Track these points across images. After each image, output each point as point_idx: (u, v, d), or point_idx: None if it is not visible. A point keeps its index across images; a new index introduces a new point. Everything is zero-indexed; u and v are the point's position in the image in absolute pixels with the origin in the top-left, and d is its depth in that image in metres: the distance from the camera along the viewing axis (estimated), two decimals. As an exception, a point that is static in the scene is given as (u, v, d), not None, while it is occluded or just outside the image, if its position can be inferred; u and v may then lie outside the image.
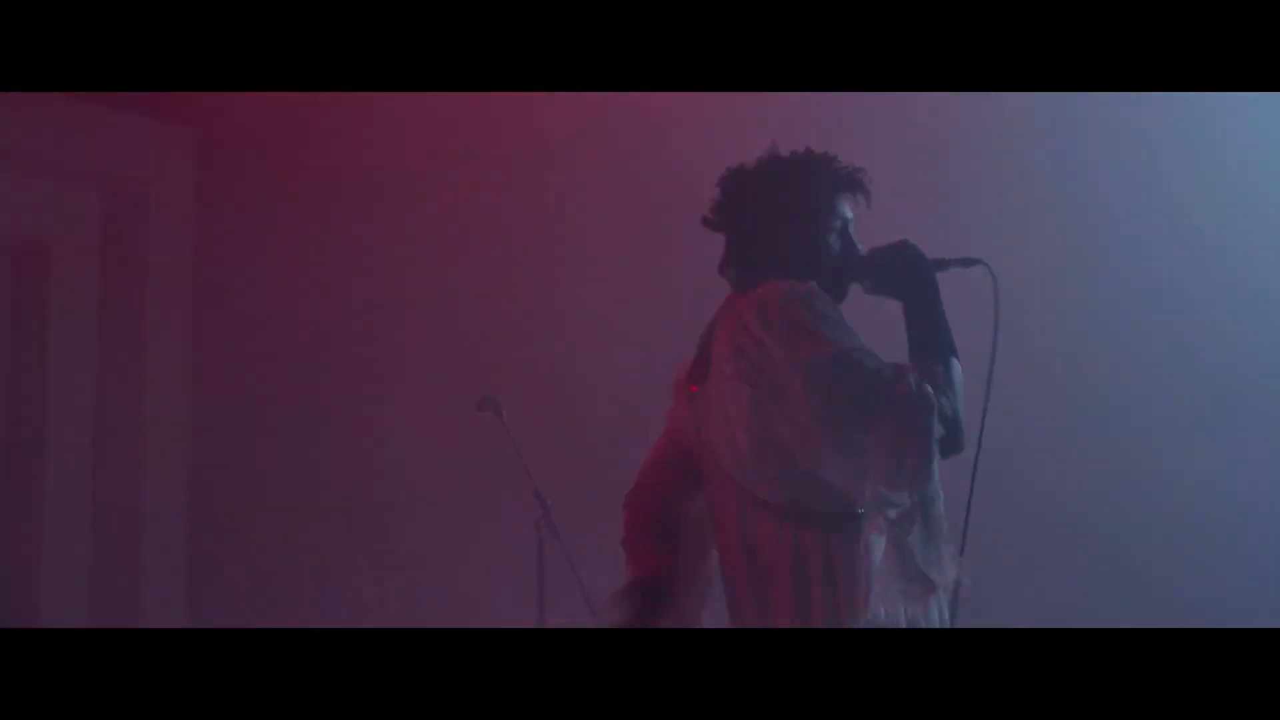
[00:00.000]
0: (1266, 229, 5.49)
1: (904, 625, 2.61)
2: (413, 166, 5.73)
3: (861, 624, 2.59)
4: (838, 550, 2.61)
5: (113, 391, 5.57)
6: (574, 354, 5.46)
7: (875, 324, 2.72)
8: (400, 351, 5.75)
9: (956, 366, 2.64)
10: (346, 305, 5.83)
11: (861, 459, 2.50)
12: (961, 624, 2.88)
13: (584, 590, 3.99)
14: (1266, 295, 5.46)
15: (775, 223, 2.75)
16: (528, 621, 4.33)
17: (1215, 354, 5.38)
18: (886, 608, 2.59)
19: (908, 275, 2.71)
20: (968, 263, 2.76)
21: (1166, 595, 5.16)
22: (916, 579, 2.57)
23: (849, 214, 2.80)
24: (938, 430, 2.50)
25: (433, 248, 5.73)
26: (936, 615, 2.69)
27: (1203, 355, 5.39)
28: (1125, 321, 5.48)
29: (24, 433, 5.53)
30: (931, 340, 2.66)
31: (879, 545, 2.56)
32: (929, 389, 2.52)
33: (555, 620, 4.30)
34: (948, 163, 5.46)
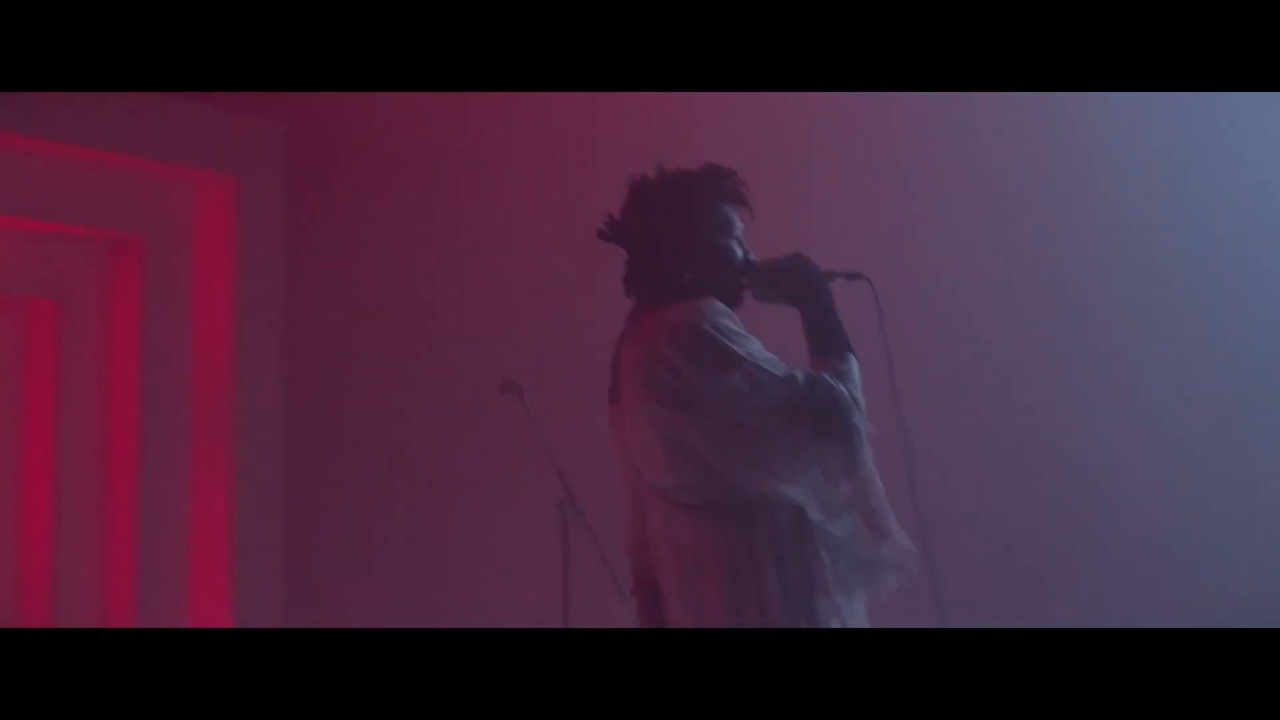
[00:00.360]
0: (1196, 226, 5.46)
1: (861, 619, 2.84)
2: (503, 161, 5.80)
3: (804, 621, 2.77)
4: (765, 545, 2.75)
5: (206, 388, 5.61)
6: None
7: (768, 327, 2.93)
8: (485, 346, 5.75)
9: (854, 363, 2.84)
10: (435, 299, 5.86)
11: (788, 463, 2.71)
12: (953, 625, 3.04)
13: (610, 570, 3.96)
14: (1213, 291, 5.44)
15: (674, 237, 2.89)
16: (554, 602, 4.40)
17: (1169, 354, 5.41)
18: (846, 594, 2.80)
19: (802, 285, 2.89)
20: (851, 276, 2.97)
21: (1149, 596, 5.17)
22: (870, 563, 2.81)
23: (740, 225, 2.96)
24: (861, 425, 2.73)
25: (521, 242, 5.82)
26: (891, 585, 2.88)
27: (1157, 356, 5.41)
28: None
29: (124, 429, 5.60)
30: (831, 342, 2.84)
31: (822, 536, 2.78)
32: (843, 388, 2.73)
33: (580, 601, 4.36)
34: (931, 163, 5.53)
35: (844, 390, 2.74)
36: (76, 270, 5.64)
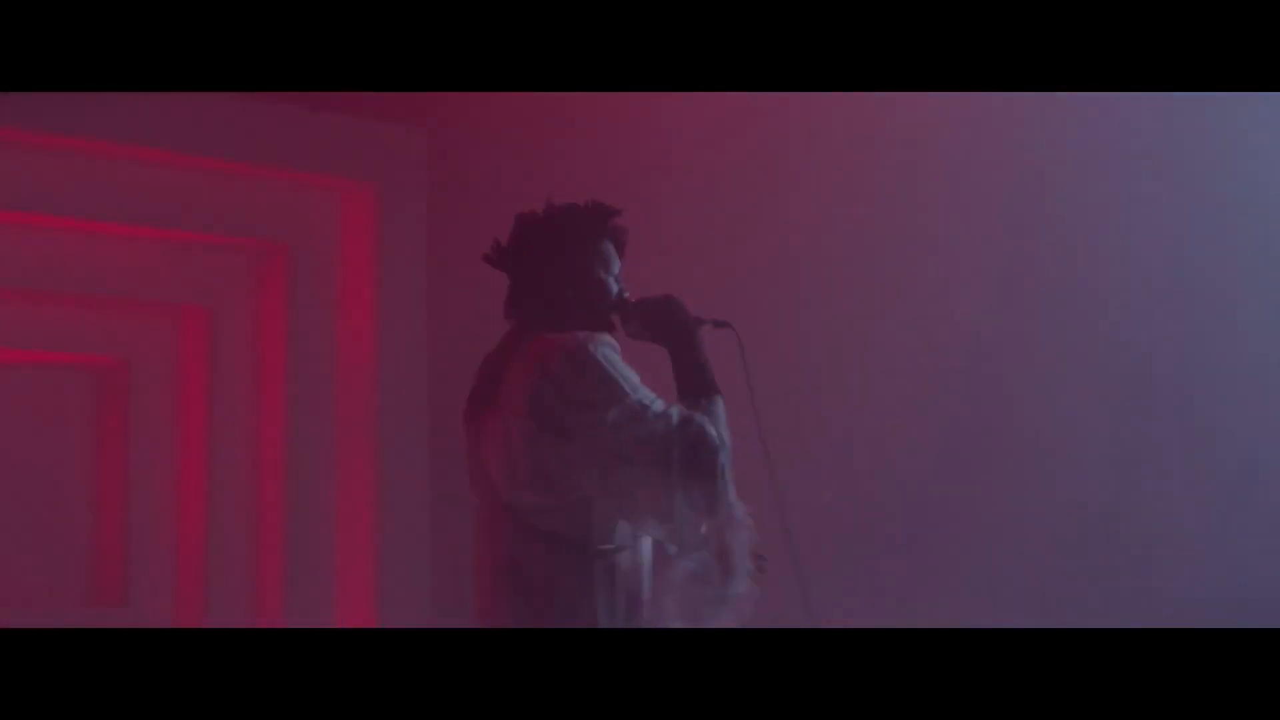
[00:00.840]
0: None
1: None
2: (645, 163, 5.84)
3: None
4: (601, 576, 2.89)
5: (351, 392, 5.72)
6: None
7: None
8: (627, 348, 5.72)
9: (720, 403, 2.97)
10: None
11: (652, 497, 2.81)
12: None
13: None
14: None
15: (552, 268, 3.07)
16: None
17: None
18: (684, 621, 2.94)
19: (675, 327, 3.04)
20: (718, 324, 3.12)
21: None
22: (715, 600, 2.92)
23: (617, 263, 3.13)
24: (726, 465, 2.85)
25: (661, 245, 5.70)
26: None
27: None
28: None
29: (272, 433, 5.73)
30: (699, 383, 2.97)
31: (670, 572, 2.93)
32: (713, 429, 2.85)
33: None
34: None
35: (713, 431, 2.86)
36: (226, 278, 5.79)
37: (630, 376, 2.92)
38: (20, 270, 5.50)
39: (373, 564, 5.57)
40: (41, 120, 4.98)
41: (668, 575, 2.98)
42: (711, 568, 2.94)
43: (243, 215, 5.71)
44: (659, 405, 2.89)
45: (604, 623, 2.90)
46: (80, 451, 5.74)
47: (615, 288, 3.12)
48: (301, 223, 5.73)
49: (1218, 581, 5.26)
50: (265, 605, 5.61)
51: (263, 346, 5.83)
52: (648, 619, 2.97)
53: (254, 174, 5.69)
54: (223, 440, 5.77)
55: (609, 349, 2.96)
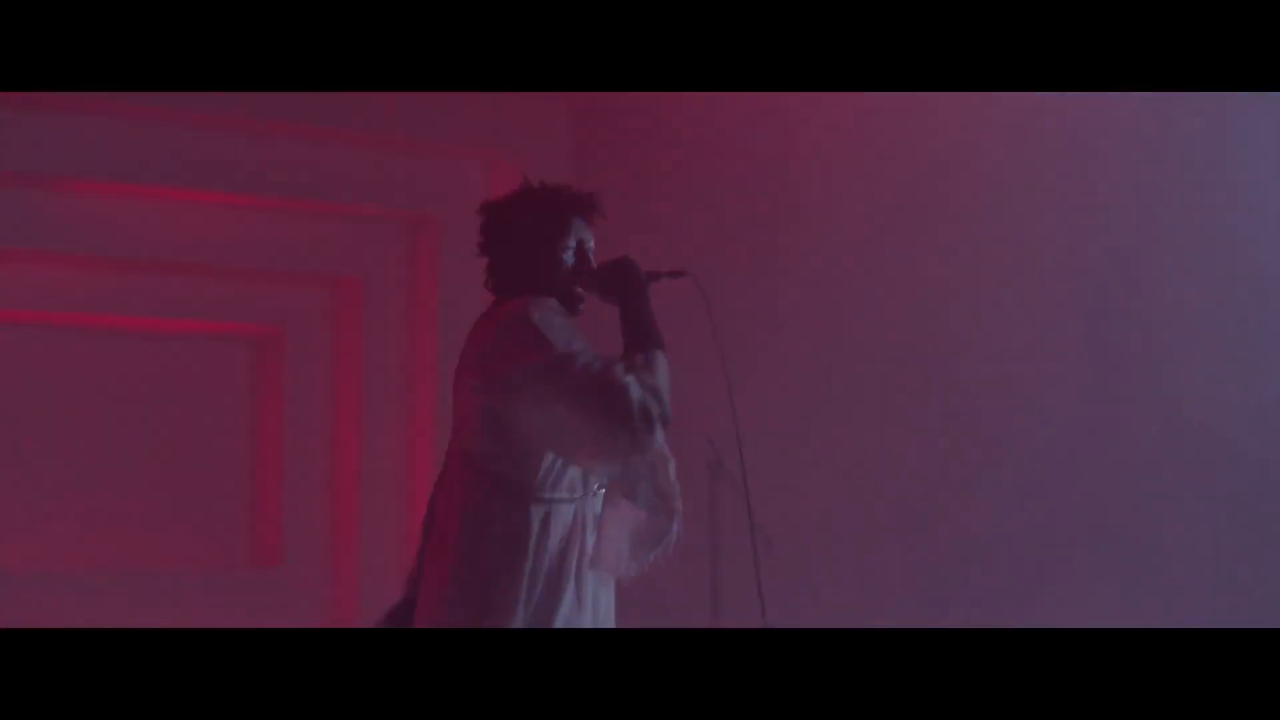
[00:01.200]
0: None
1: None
2: (777, 157, 5.95)
3: (593, 574, 3.17)
4: (542, 523, 3.12)
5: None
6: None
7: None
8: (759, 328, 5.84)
9: (659, 355, 3.14)
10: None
11: (578, 438, 3.06)
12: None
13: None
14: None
15: (516, 245, 3.28)
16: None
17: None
18: (617, 559, 3.19)
19: (621, 285, 3.22)
20: (674, 275, 3.27)
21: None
22: (644, 534, 3.19)
23: (587, 235, 3.31)
24: (638, 404, 3.02)
25: (792, 235, 5.90)
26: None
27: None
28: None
29: (422, 401, 5.93)
30: (639, 336, 3.15)
31: (608, 509, 3.21)
32: (627, 376, 3.03)
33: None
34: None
35: (630, 380, 3.06)
36: (379, 249, 6.02)
37: (564, 334, 3.13)
38: (181, 245, 5.80)
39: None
40: (208, 104, 5.19)
41: (614, 522, 3.25)
42: (644, 503, 3.21)
43: (395, 189, 5.92)
44: (585, 357, 3.07)
45: (526, 572, 3.14)
46: (239, 418, 6.01)
47: (571, 259, 3.32)
48: (452, 195, 5.90)
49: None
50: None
51: (414, 314, 6.02)
52: (579, 573, 3.19)
53: (407, 149, 5.88)
54: (375, 404, 6.01)
55: (548, 311, 3.18)
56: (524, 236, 3.34)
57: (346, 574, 5.92)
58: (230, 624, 5.50)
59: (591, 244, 3.37)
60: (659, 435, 3.13)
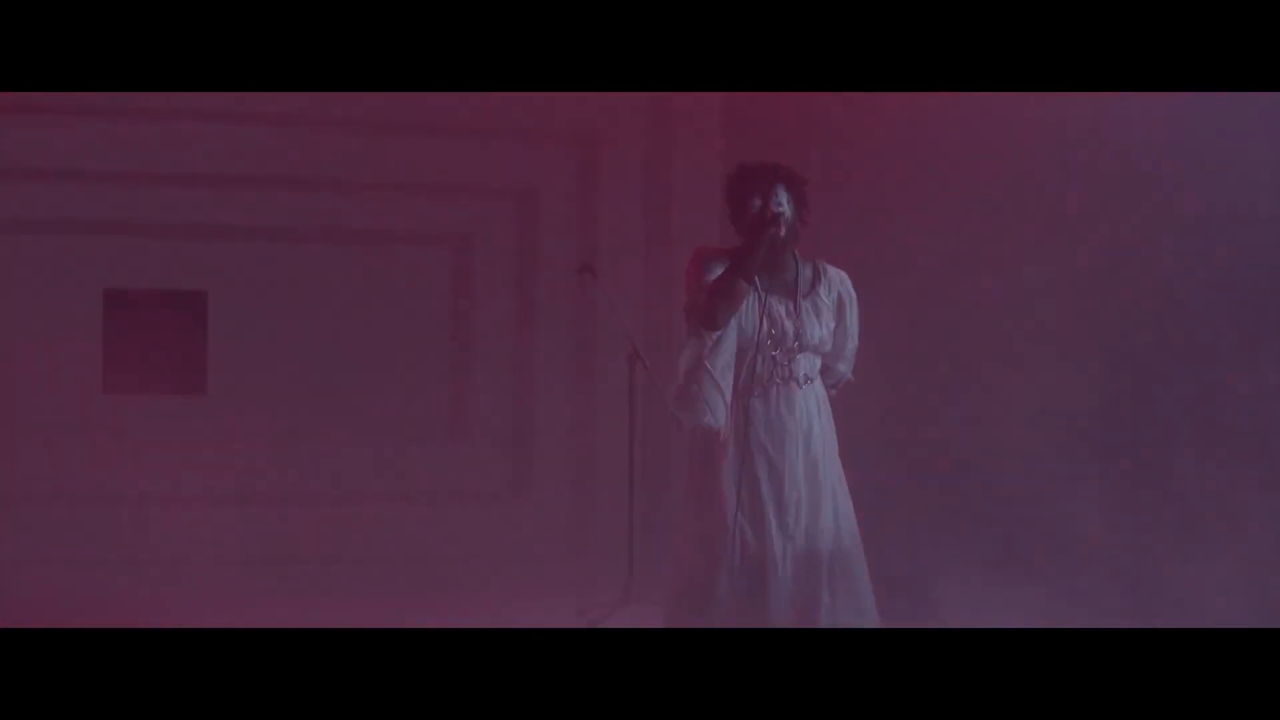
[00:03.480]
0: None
1: None
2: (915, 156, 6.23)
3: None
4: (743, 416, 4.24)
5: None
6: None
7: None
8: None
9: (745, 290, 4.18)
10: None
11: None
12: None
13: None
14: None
15: (732, 210, 4.31)
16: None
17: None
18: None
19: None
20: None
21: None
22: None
23: (782, 197, 4.23)
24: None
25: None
26: None
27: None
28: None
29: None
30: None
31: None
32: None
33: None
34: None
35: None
36: (560, 168, 7.13)
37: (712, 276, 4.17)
38: (390, 162, 6.78)
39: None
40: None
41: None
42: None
43: (575, 118, 6.90)
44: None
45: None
46: (435, 319, 7.07)
47: (758, 220, 4.20)
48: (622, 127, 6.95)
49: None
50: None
51: (584, 228, 7.06)
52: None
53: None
54: (550, 299, 7.05)
55: (713, 260, 4.20)
56: (735, 204, 4.28)
57: (525, 448, 7.03)
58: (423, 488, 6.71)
59: (773, 206, 4.21)
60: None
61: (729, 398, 4.20)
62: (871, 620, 4.21)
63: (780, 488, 4.21)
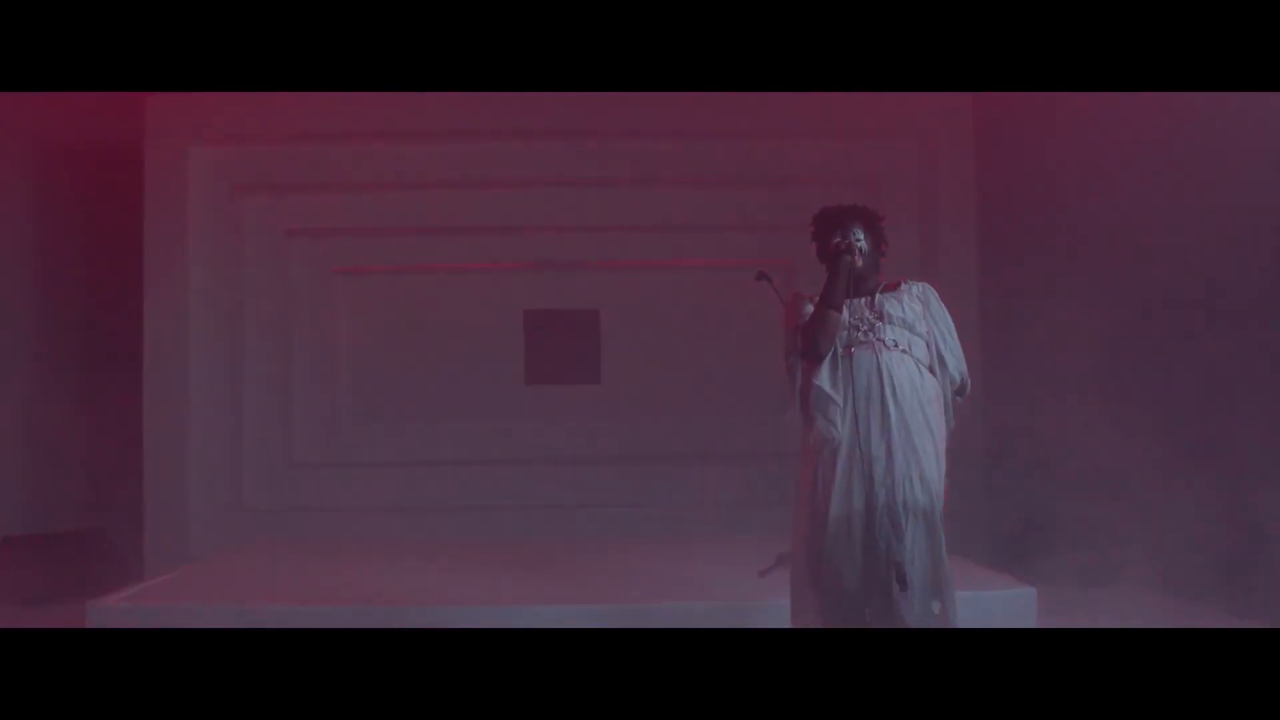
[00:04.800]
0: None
1: None
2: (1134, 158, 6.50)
3: None
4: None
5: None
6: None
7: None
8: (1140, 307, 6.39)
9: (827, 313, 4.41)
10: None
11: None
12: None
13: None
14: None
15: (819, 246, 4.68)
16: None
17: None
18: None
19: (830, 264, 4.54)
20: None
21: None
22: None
23: (858, 236, 4.55)
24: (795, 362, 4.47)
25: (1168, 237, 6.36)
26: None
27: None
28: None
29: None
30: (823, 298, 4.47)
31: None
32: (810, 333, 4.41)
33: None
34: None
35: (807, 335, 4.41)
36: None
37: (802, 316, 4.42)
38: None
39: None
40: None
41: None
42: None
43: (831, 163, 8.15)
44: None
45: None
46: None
47: (846, 257, 4.43)
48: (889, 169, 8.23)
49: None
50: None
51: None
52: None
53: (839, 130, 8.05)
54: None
55: (805, 301, 4.47)
56: (820, 241, 4.55)
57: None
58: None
59: (850, 238, 4.45)
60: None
61: (843, 405, 4.36)
62: (951, 584, 4.31)
63: (867, 440, 4.34)
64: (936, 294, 4.57)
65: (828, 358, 4.38)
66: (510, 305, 8.75)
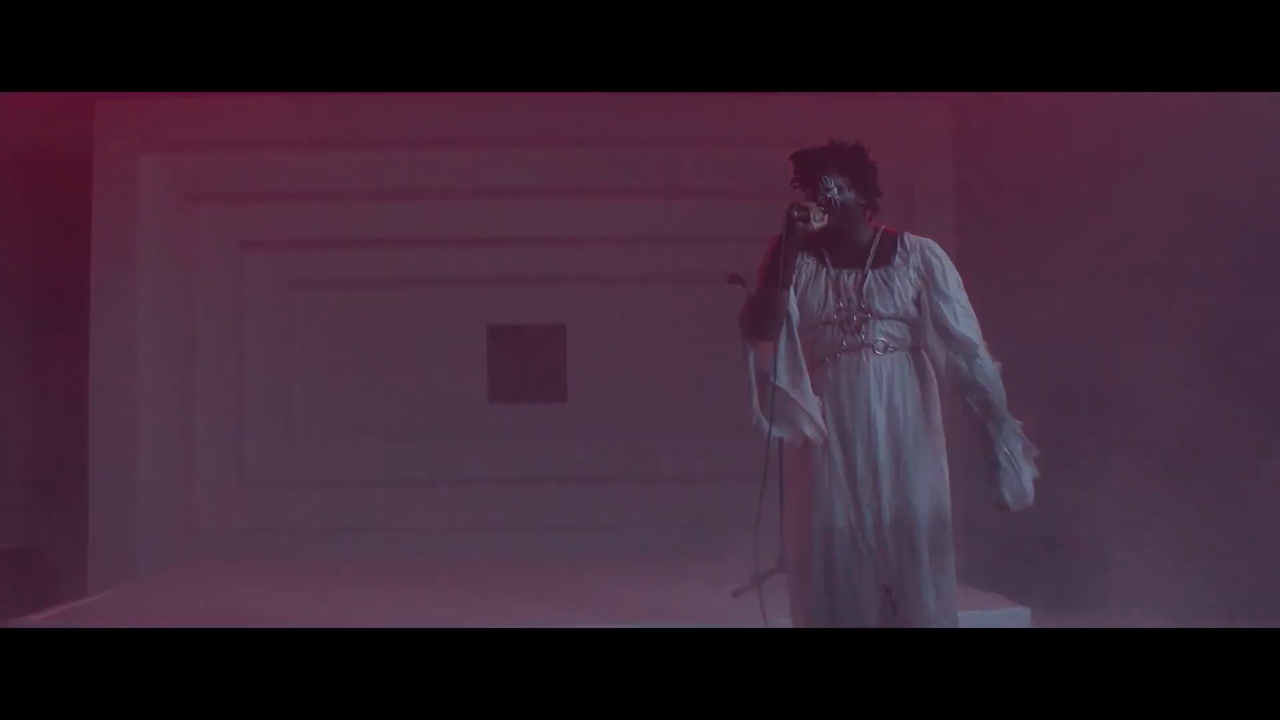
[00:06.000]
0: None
1: None
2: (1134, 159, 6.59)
3: None
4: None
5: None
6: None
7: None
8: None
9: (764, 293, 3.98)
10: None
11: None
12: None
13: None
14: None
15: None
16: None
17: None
18: None
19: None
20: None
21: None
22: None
23: (830, 180, 4.04)
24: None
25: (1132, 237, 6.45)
26: None
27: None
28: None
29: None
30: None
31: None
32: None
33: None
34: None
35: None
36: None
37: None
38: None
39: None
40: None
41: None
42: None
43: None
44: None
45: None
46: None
47: (798, 224, 3.86)
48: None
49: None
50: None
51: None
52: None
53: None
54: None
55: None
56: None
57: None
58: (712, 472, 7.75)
59: (820, 192, 3.93)
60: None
61: (810, 408, 3.93)
62: (949, 610, 3.94)
63: (851, 457, 3.96)
64: (940, 258, 4.04)
65: (803, 366, 3.94)
66: (474, 320, 8.60)
